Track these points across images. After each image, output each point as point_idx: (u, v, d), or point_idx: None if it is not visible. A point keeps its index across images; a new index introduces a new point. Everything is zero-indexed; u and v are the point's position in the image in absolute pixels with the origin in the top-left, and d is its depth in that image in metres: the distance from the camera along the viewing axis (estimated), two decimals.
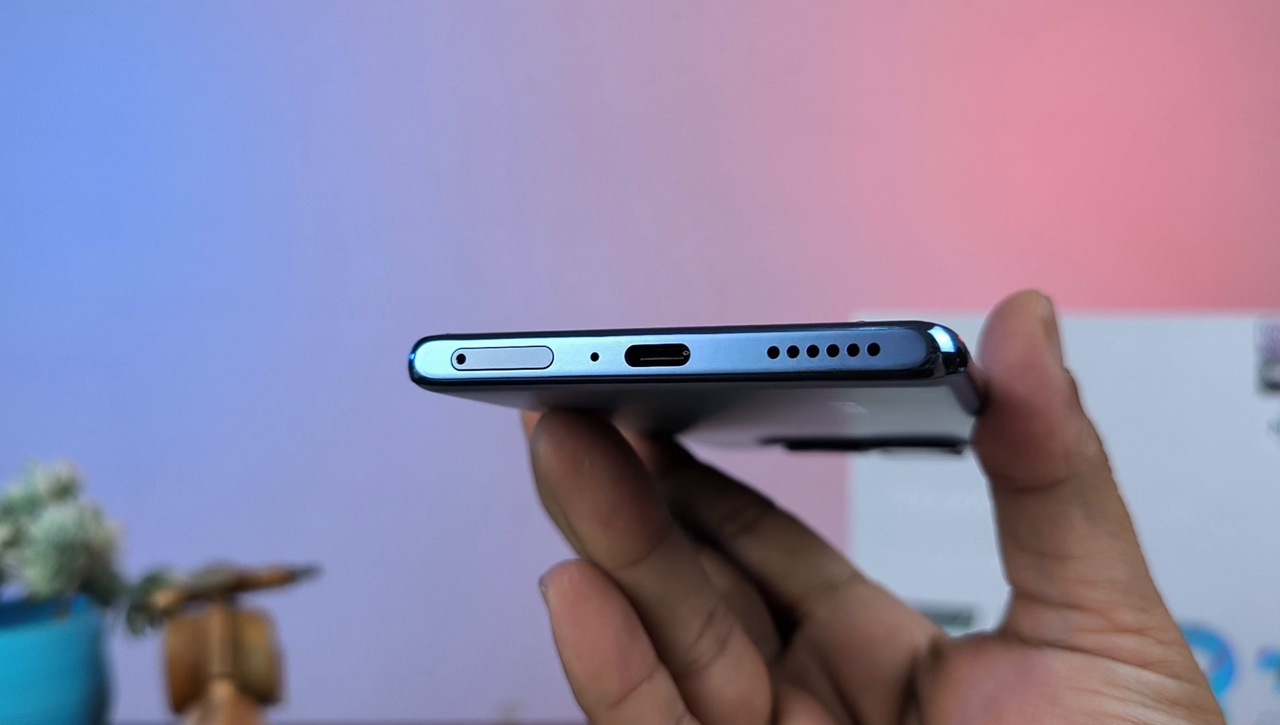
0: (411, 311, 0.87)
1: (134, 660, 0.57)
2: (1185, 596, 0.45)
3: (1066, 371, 0.19)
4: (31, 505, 0.49)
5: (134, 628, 0.52)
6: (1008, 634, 0.21)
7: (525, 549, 0.80)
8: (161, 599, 0.50)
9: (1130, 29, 0.83)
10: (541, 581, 0.19)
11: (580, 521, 0.18)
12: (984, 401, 0.19)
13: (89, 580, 0.49)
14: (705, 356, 0.14)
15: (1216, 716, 0.19)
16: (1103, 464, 0.19)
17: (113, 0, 0.87)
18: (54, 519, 0.48)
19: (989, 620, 0.49)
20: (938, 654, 0.22)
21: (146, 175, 0.88)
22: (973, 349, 0.16)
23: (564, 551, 0.22)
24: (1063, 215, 0.84)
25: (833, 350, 0.14)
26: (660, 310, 0.85)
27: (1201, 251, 0.82)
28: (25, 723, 0.45)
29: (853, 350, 0.14)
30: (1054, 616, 0.19)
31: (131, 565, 0.53)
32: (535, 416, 0.21)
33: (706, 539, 0.25)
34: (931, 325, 0.14)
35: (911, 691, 0.22)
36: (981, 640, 0.21)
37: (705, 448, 0.26)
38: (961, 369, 0.14)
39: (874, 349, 0.14)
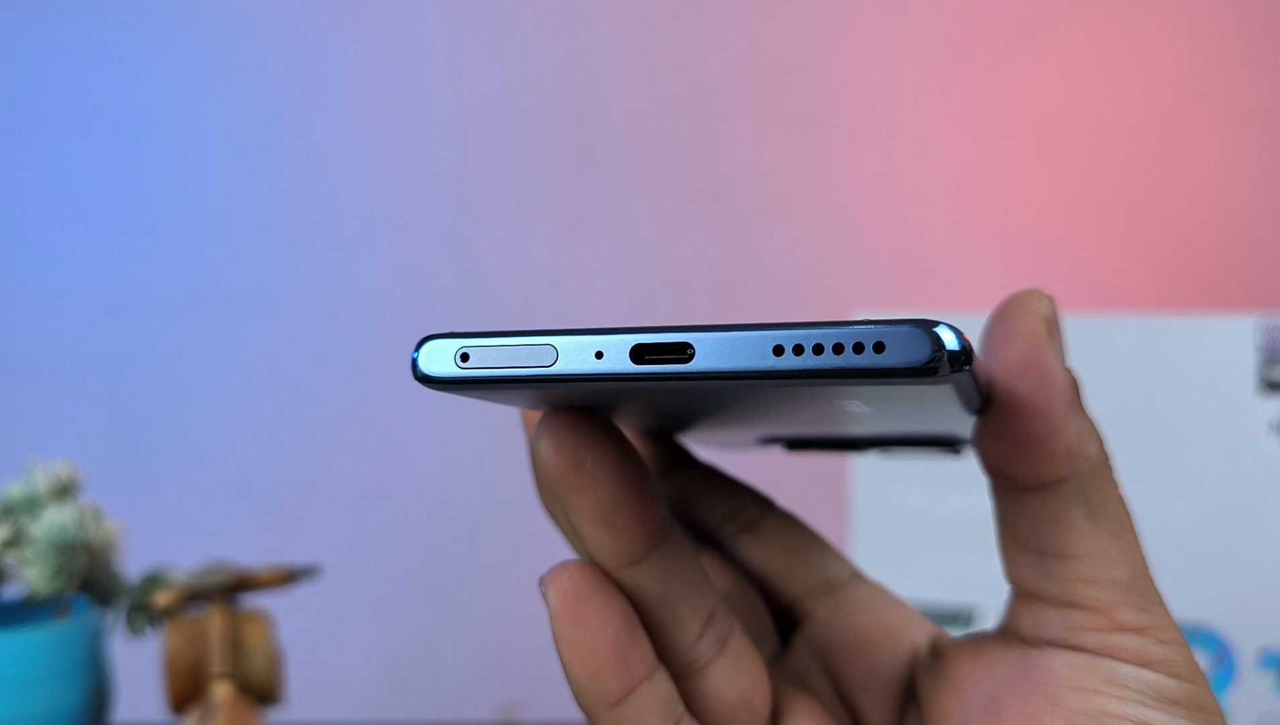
0: (412, 311, 0.87)
1: (134, 660, 0.57)
2: (1185, 596, 0.45)
3: (1068, 371, 0.19)
4: (31, 505, 0.49)
5: (134, 628, 0.52)
6: (1008, 633, 0.21)
7: (525, 549, 0.80)
8: (161, 599, 0.50)
9: (1130, 29, 0.83)
10: (541, 581, 0.19)
11: (581, 521, 0.18)
12: (986, 400, 0.19)
13: (89, 580, 0.49)
14: (710, 355, 0.14)
15: (1216, 716, 0.19)
16: (1104, 463, 0.19)
17: (113, 0, 0.87)
18: (54, 519, 0.48)
19: (989, 620, 0.49)
20: (938, 654, 0.22)
21: (146, 175, 0.88)
22: (975, 348, 0.16)
23: (564, 551, 0.22)
24: (1063, 215, 0.84)
25: (838, 348, 0.14)
26: (660, 310, 0.85)
27: (1201, 251, 0.82)
28: (25, 723, 0.45)
29: (858, 348, 0.14)
30: (1054, 615, 0.19)
31: (131, 565, 0.53)
32: (536, 415, 0.21)
33: (706, 539, 0.25)
34: (936, 323, 0.14)
35: (912, 691, 0.22)
36: (982, 640, 0.21)
37: (705, 447, 0.26)
38: (966, 367, 0.14)
39: (879, 347, 0.14)
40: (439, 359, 0.16)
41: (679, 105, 0.86)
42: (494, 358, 0.15)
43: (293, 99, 0.88)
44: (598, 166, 0.86)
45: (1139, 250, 0.83)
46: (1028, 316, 0.19)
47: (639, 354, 0.15)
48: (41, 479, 0.50)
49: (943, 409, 0.18)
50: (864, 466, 0.52)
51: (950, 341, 0.13)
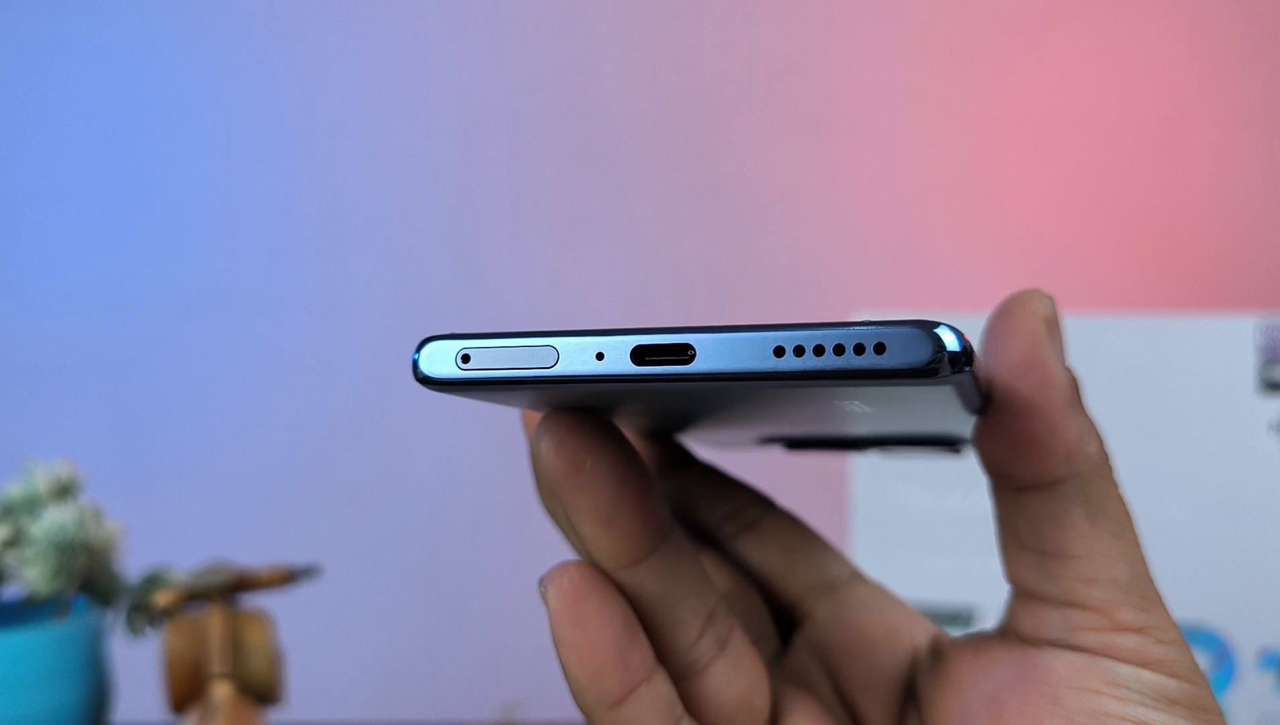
0: (412, 311, 0.87)
1: (134, 660, 0.57)
2: (1185, 596, 0.45)
3: (1068, 370, 0.19)
4: (31, 505, 0.49)
5: (134, 628, 0.52)
6: (1008, 633, 0.21)
7: (525, 549, 0.80)
8: (161, 599, 0.50)
9: (1130, 29, 0.83)
10: (541, 582, 0.19)
11: (581, 521, 0.18)
12: (986, 400, 0.19)
13: (89, 580, 0.49)
14: (711, 356, 0.14)
15: (1216, 716, 0.19)
16: (1104, 463, 0.19)
17: (113, 0, 0.87)
18: (54, 519, 0.48)
19: (989, 620, 0.49)
20: (938, 654, 0.22)
21: (147, 175, 0.88)
22: (975, 348, 0.16)
23: (564, 551, 0.22)
24: (1063, 215, 0.84)
25: (838, 349, 0.14)
26: (660, 310, 0.85)
27: (1201, 251, 0.82)
28: (25, 723, 0.45)
29: (858, 349, 0.14)
30: (1055, 615, 0.19)
31: (131, 565, 0.53)
32: (536, 416, 0.21)
33: (706, 538, 0.25)
34: (937, 324, 0.14)
35: (912, 691, 0.22)
36: (982, 640, 0.21)
37: (705, 447, 0.26)
38: (967, 368, 0.14)
39: (880, 348, 0.14)
40: (440, 360, 0.16)
41: (679, 105, 0.86)
42: (495, 359, 0.15)
43: (293, 99, 0.88)
44: (598, 166, 0.86)
45: (1139, 250, 0.83)
46: (1028, 316, 0.19)
47: (640, 355, 0.15)
48: (41, 479, 0.50)
49: (943, 409, 0.18)
50: (864, 466, 0.52)
51: (951, 342, 0.13)
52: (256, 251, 0.88)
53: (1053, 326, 0.19)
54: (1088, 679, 0.19)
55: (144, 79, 0.88)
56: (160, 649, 0.50)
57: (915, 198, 0.85)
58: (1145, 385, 0.47)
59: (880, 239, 0.85)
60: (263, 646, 0.50)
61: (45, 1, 0.87)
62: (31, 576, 0.47)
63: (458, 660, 0.87)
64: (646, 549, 0.19)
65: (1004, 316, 0.19)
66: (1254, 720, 0.45)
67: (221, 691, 0.48)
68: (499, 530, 0.86)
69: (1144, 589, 0.19)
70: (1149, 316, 0.47)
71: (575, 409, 0.18)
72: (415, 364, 0.16)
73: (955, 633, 0.23)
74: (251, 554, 0.61)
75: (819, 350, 0.14)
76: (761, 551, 0.24)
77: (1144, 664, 0.18)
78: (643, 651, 0.19)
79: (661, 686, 0.19)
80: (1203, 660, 0.45)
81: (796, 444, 0.26)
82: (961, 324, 0.14)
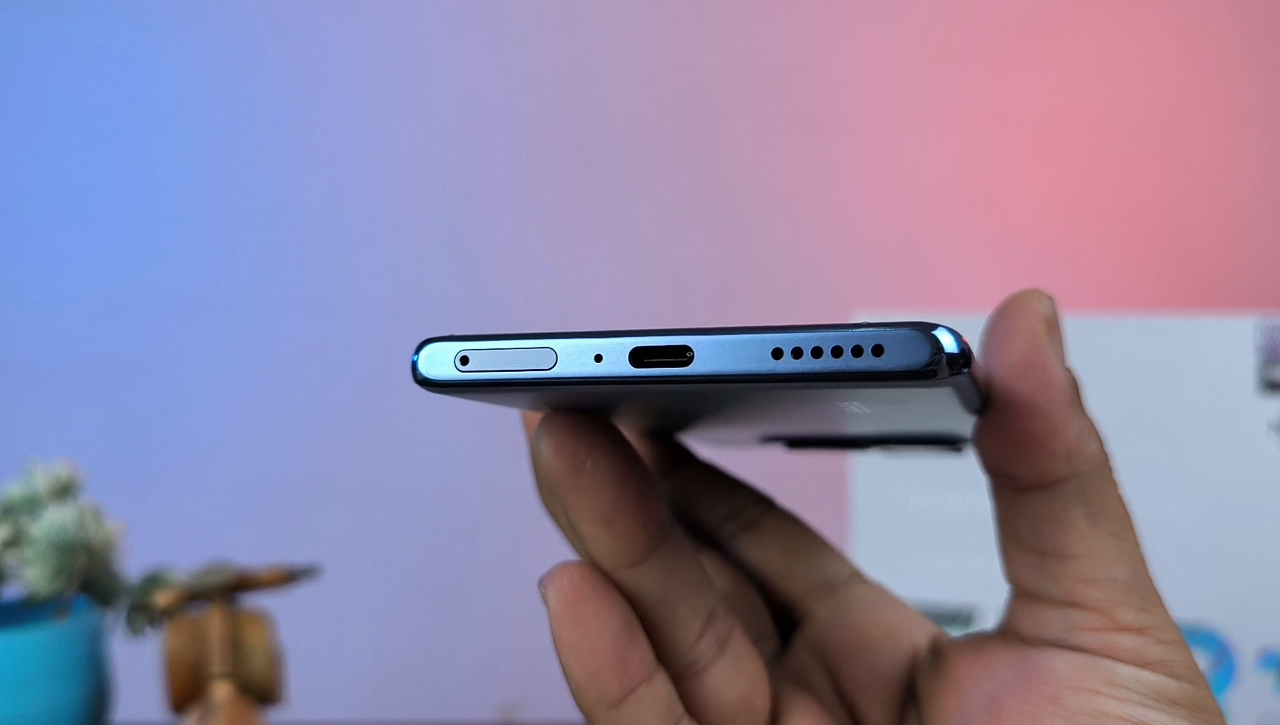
0: (412, 312, 0.87)
1: (134, 660, 0.57)
2: (1185, 596, 0.45)
3: (1068, 370, 0.19)
4: (31, 505, 0.49)
5: (134, 628, 0.52)
6: (1008, 633, 0.21)
7: (525, 549, 0.80)
8: (161, 599, 0.50)
9: (1130, 29, 0.83)
10: (541, 582, 0.19)
11: (581, 522, 0.18)
12: (986, 401, 0.19)
13: (89, 580, 0.49)
14: (709, 358, 0.14)
15: (1216, 716, 0.19)
16: (1104, 463, 0.19)
17: (113, 0, 0.87)
18: (54, 519, 0.48)
19: (989, 620, 0.49)
20: (938, 653, 0.22)
21: (147, 175, 0.88)
22: (975, 348, 0.16)
23: (564, 551, 0.22)
24: (1063, 215, 0.84)
25: (836, 351, 0.14)
26: (660, 310, 0.85)
27: (1201, 251, 0.82)
28: (25, 723, 0.45)
29: (856, 351, 0.14)
30: (1055, 615, 0.19)
31: (131, 565, 0.53)
32: (536, 417, 0.21)
33: (706, 538, 0.25)
34: (935, 326, 0.14)
35: (912, 691, 0.22)
36: (982, 640, 0.21)
37: (705, 446, 0.26)
38: (965, 370, 0.14)
39: (878, 350, 0.14)
40: (439, 362, 0.16)
41: (679, 105, 0.86)
42: (493, 361, 0.15)
43: (293, 99, 0.88)
44: (598, 166, 0.86)
45: (1139, 250, 0.83)
46: (1028, 316, 0.19)
47: (638, 357, 0.15)
48: (41, 479, 0.50)
49: (943, 409, 0.18)
50: (864, 466, 0.52)
51: (949, 344, 0.14)
52: (256, 251, 0.88)
53: (1053, 326, 0.19)
54: (1088, 679, 0.19)
55: (144, 79, 0.88)
56: (160, 649, 0.50)
57: (915, 198, 0.85)
58: (1145, 385, 0.47)
59: (880, 239, 0.85)
60: (263, 646, 0.50)
61: (45, 1, 0.87)
62: (31, 576, 0.47)
63: (458, 660, 0.87)
64: (646, 549, 0.19)
65: (1004, 316, 0.19)
66: (1254, 720, 0.45)
67: (221, 691, 0.48)
68: (499, 530, 0.86)
69: (1144, 589, 0.19)
70: (1149, 316, 0.47)
71: (575, 410, 0.18)
72: (414, 366, 0.16)
73: (955, 633, 0.23)
74: (251, 554, 0.61)
75: (817, 352, 0.14)
76: (761, 551, 0.24)
77: (1144, 664, 0.18)
78: (643, 652, 0.19)
79: (661, 687, 0.19)
80: (1203, 660, 0.45)
81: (797, 443, 0.26)
82: (961, 324, 0.14)
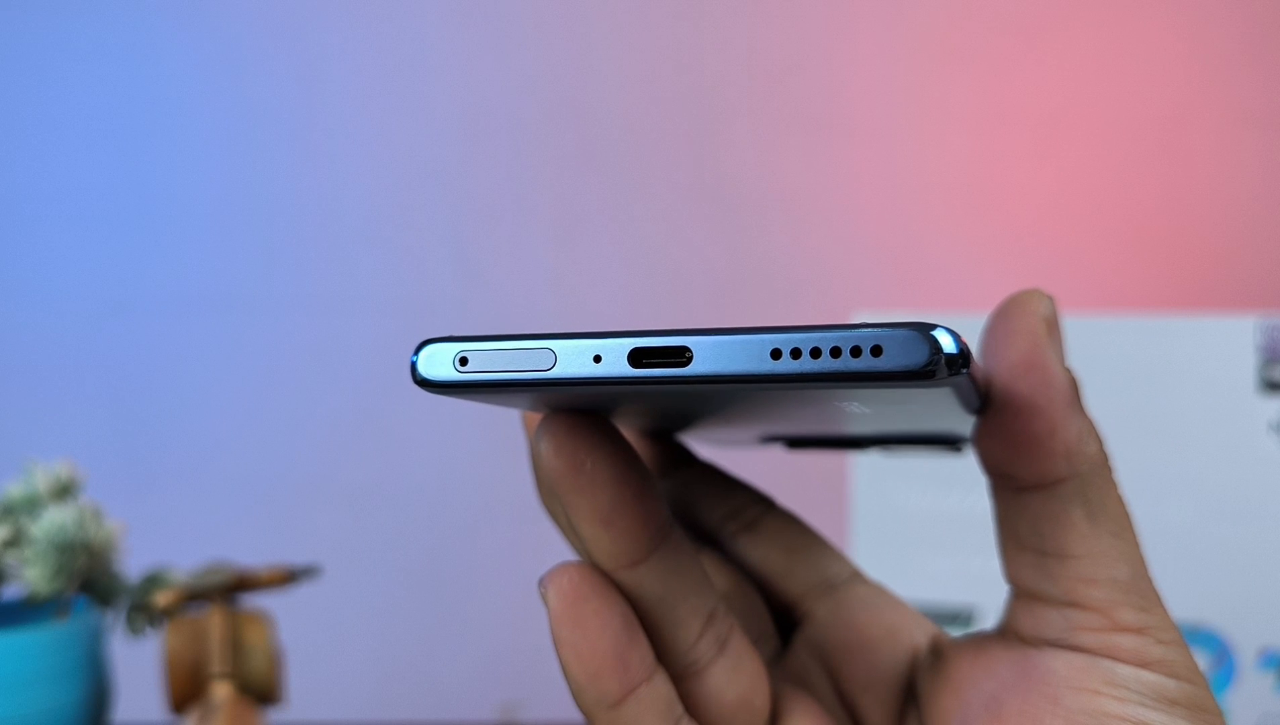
0: (412, 312, 0.87)
1: (134, 660, 0.57)
2: (1185, 596, 0.45)
3: (1068, 371, 0.19)
4: (31, 505, 0.49)
5: (134, 628, 0.52)
6: (1007, 633, 0.21)
7: (525, 549, 0.80)
8: (161, 599, 0.50)
9: (1130, 29, 0.83)
10: (541, 582, 0.19)
11: (581, 522, 0.18)
12: (985, 401, 0.19)
13: (89, 580, 0.49)
14: (708, 358, 0.14)
15: (1216, 716, 0.19)
16: (1103, 463, 0.19)
17: (113, 0, 0.87)
18: (54, 519, 0.48)
19: (989, 620, 0.49)
20: (938, 654, 0.22)
21: (147, 175, 0.88)
22: (974, 348, 0.16)
23: (564, 551, 0.22)
24: (1063, 215, 0.84)
25: (835, 352, 0.14)
26: (660, 310, 0.85)
27: (1201, 251, 0.82)
28: (25, 723, 0.45)
29: (855, 352, 0.14)
30: (1054, 615, 0.19)
31: (131, 565, 0.53)
32: (536, 417, 0.21)
33: (706, 538, 0.25)
34: (934, 326, 0.14)
35: (912, 691, 0.22)
36: (982, 640, 0.21)
37: (705, 446, 0.26)
38: (964, 370, 0.14)
39: (876, 350, 0.14)
40: (438, 363, 0.16)
41: (679, 105, 0.86)
42: (492, 361, 0.15)
43: (293, 99, 0.88)
44: (598, 166, 0.86)
45: (1139, 250, 0.83)
46: (1028, 316, 0.19)
47: (637, 358, 0.15)
48: (41, 479, 0.50)
49: (943, 409, 0.18)
50: (864, 466, 0.52)
51: (948, 344, 0.14)
52: (256, 252, 0.88)
53: (1053, 326, 0.19)
54: (1087, 679, 0.19)
55: (144, 79, 0.88)
56: (160, 649, 0.50)
57: (915, 198, 0.85)
58: (1145, 385, 0.47)
59: (880, 239, 0.85)
60: (263, 646, 0.50)
61: (45, 1, 0.87)
62: (31, 576, 0.47)
63: (458, 660, 0.87)
64: (646, 549, 0.19)
65: (1004, 316, 0.19)
66: (1254, 720, 0.45)
67: (221, 691, 0.48)
68: (499, 530, 0.86)
69: (1144, 589, 0.19)
70: (1149, 316, 0.47)
71: (575, 410, 0.18)
72: (414, 366, 0.16)
73: (955, 633, 0.23)
74: (251, 554, 0.61)
75: (816, 353, 0.14)
76: (761, 551, 0.24)
77: (1144, 664, 0.18)
78: (642, 652, 0.19)
79: (661, 687, 0.19)
80: (1203, 660, 0.45)
81: (797, 443, 0.26)
82: (961, 324, 0.14)
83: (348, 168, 0.88)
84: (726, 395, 0.15)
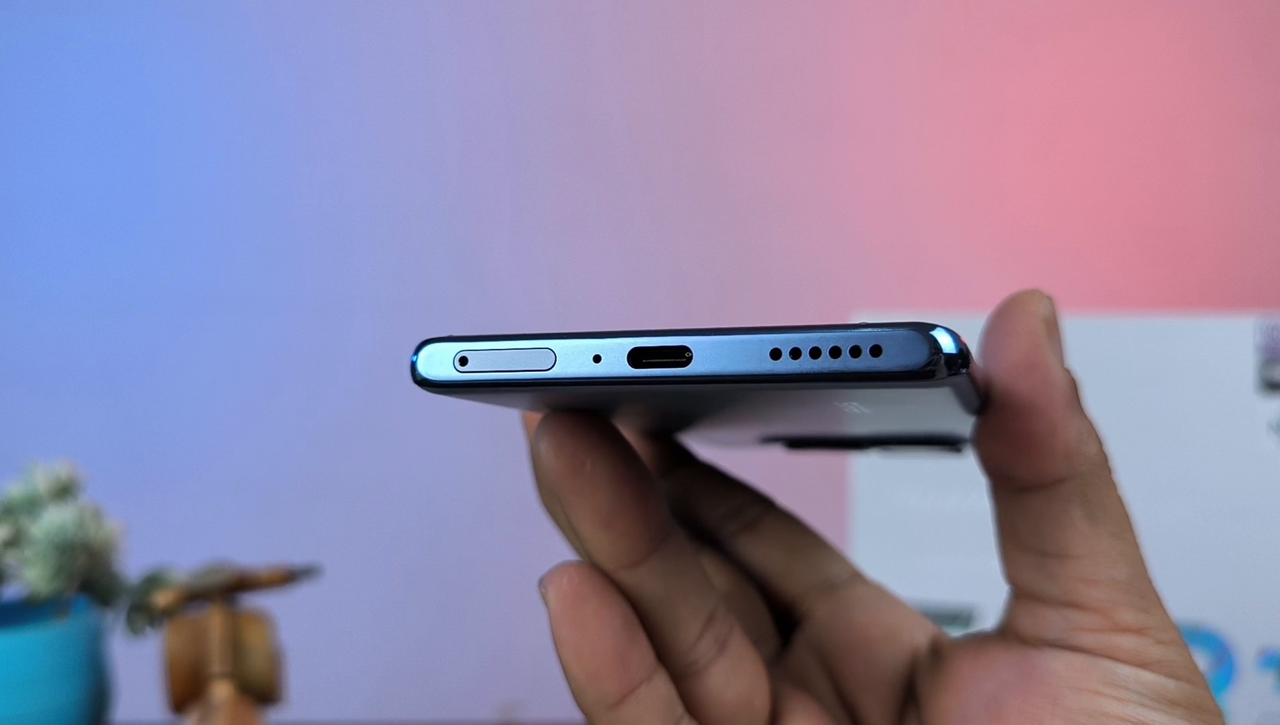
0: (412, 312, 0.87)
1: (134, 660, 0.57)
2: (1185, 596, 0.45)
3: (1068, 371, 0.19)
4: (31, 505, 0.49)
5: (134, 628, 0.52)
6: (1007, 634, 0.21)
7: (525, 549, 0.80)
8: (161, 599, 0.50)
9: (1130, 29, 0.83)
10: (541, 583, 0.19)
11: (581, 522, 0.18)
12: (985, 401, 0.19)
13: (89, 580, 0.49)
14: (707, 358, 0.14)
15: (1215, 716, 0.19)
16: (1103, 463, 0.19)
17: (113, 0, 0.87)
18: (54, 519, 0.48)
19: (989, 620, 0.49)
20: (938, 654, 0.22)
21: (147, 175, 0.88)
22: (974, 348, 0.16)
23: (564, 551, 0.22)
24: (1063, 215, 0.84)
25: (835, 352, 0.14)
26: (660, 310, 0.85)
27: (1201, 251, 0.82)
28: (25, 723, 0.45)
29: (855, 352, 0.14)
30: (1054, 615, 0.19)
31: (131, 565, 0.53)
32: (536, 417, 0.21)
33: (706, 538, 0.25)
34: (933, 326, 0.14)
35: (911, 691, 0.22)
36: (981, 640, 0.21)
37: (705, 446, 0.26)
38: (963, 370, 0.14)
39: (876, 350, 0.14)
40: (437, 363, 0.16)
41: (679, 105, 0.86)
42: (492, 361, 0.15)
43: (293, 99, 0.88)
44: (598, 166, 0.86)
45: (1139, 250, 0.83)
46: (1027, 316, 0.19)
47: (637, 357, 0.15)
48: (41, 479, 0.50)
49: (942, 409, 0.18)
50: (864, 466, 0.51)
51: (947, 344, 0.14)
52: (256, 252, 0.88)
53: (1052, 327, 0.19)
54: (1087, 679, 0.19)
55: (144, 79, 0.88)
56: (160, 649, 0.50)
57: (915, 198, 0.85)
58: (1145, 385, 0.47)
59: (880, 239, 0.85)
60: (263, 646, 0.50)
61: (45, 1, 0.87)
62: (31, 576, 0.47)
63: (458, 660, 0.87)
64: (646, 549, 0.19)
65: (1003, 316, 0.20)
66: (1254, 720, 0.45)
67: (221, 691, 0.48)
68: (499, 530, 0.86)
69: (1143, 589, 0.19)
70: (1149, 316, 0.47)
71: (575, 410, 0.18)
72: (413, 366, 0.16)
73: (955, 633, 0.23)
74: (251, 554, 0.61)
75: (815, 353, 0.14)
76: (761, 551, 0.24)
77: (1143, 664, 0.18)
78: (642, 652, 0.19)
79: (661, 687, 0.19)
80: (1203, 660, 0.45)
81: (797, 443, 0.26)
82: (961, 324, 0.14)
83: (348, 168, 0.88)
84: (726, 395, 0.15)
